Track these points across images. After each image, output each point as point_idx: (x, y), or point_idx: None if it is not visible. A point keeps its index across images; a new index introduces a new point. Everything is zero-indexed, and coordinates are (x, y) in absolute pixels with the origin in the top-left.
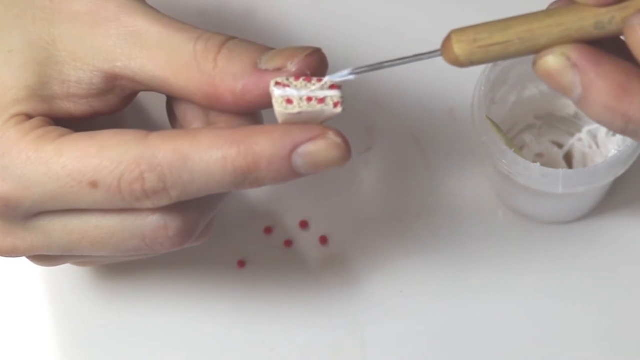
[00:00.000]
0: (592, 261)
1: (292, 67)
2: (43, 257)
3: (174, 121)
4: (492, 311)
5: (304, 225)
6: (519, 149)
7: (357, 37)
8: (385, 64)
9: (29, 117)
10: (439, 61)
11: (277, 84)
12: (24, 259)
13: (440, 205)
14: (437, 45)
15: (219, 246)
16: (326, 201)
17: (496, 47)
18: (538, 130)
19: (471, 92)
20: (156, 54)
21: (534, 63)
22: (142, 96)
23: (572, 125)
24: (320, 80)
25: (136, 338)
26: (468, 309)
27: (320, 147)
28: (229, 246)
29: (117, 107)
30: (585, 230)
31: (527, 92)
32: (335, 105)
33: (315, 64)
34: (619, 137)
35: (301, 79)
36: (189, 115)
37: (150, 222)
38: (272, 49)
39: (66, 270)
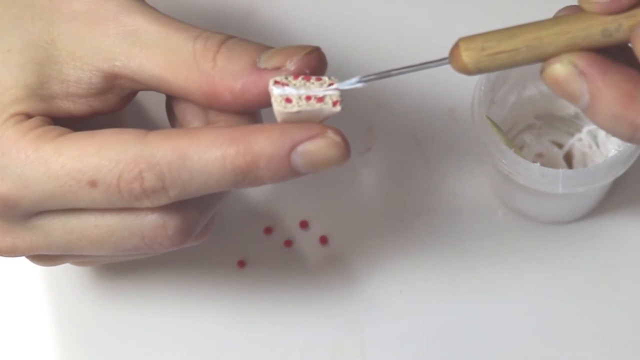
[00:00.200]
0: (592, 261)
1: (291, 65)
2: (42, 257)
3: (173, 120)
4: (492, 311)
5: (304, 225)
6: (519, 149)
7: (357, 37)
8: (393, 72)
9: (28, 116)
10: None
11: (276, 82)
12: (23, 259)
13: (440, 205)
14: (437, 45)
15: (219, 246)
16: (326, 201)
17: (504, 55)
18: (538, 130)
19: (471, 92)
20: (155, 53)
21: (542, 71)
22: (142, 95)
23: (572, 125)
24: (319, 79)
25: (136, 338)
26: (468, 309)
27: (319, 146)
28: (229, 246)
29: (116, 106)
30: (585, 230)
31: (527, 92)
32: (334, 104)
33: (314, 63)
34: None
35: (300, 78)
36: (188, 114)
37: (149, 221)
38: (271, 47)
39: (66, 270)
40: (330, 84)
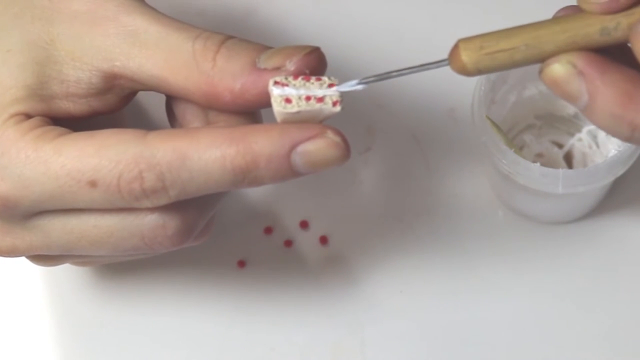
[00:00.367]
0: (592, 261)
1: (290, 66)
2: (42, 257)
3: (173, 120)
4: (492, 311)
5: (304, 225)
6: (519, 149)
7: (357, 37)
8: (393, 74)
9: (28, 116)
10: None
11: (275, 83)
12: (23, 259)
13: (440, 205)
14: (437, 45)
15: (219, 246)
16: (326, 201)
17: (502, 54)
18: (538, 130)
19: (471, 92)
20: (155, 53)
21: (540, 71)
22: (141, 96)
23: (572, 125)
24: (319, 79)
25: (136, 338)
26: (468, 308)
27: (319, 146)
28: (229, 246)
29: (116, 106)
30: (585, 230)
31: (527, 92)
32: (334, 104)
33: (314, 63)
34: None
35: (300, 78)
36: (188, 114)
37: (149, 222)
38: (270, 48)
39: (65, 270)
40: (330, 85)
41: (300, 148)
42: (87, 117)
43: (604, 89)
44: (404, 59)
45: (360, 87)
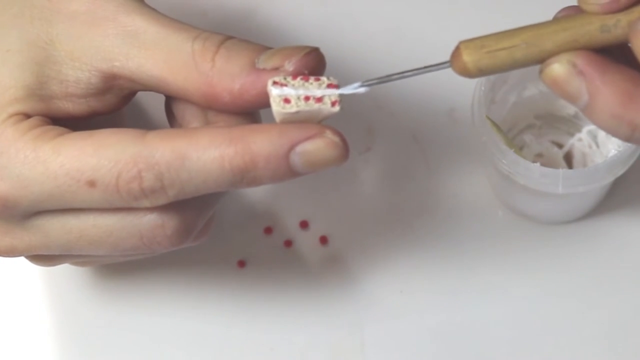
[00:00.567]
0: (592, 261)
1: (289, 66)
2: (41, 257)
3: (172, 120)
4: (492, 311)
5: (304, 225)
6: (519, 149)
7: (357, 37)
8: (395, 76)
9: (27, 116)
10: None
11: (274, 83)
12: (22, 259)
13: (440, 205)
14: (437, 46)
15: (219, 246)
16: (326, 201)
17: (503, 53)
18: (538, 130)
19: (471, 92)
20: (154, 54)
21: (541, 71)
22: (141, 96)
23: (572, 125)
24: (318, 80)
25: (136, 338)
26: (468, 308)
27: (317, 146)
28: (229, 246)
29: (115, 106)
30: (585, 230)
31: (527, 92)
32: (333, 104)
33: (313, 63)
34: None
35: (299, 78)
36: (187, 114)
37: (148, 221)
38: (269, 48)
39: (65, 270)
40: (329, 85)
41: (299, 148)
42: (86, 117)
43: (604, 88)
44: (404, 59)
45: (362, 89)
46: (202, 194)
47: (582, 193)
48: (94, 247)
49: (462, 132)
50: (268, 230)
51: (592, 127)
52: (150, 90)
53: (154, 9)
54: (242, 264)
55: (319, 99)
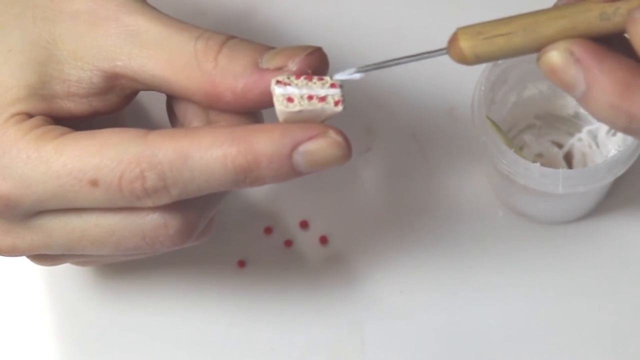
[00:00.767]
0: (592, 261)
1: (293, 66)
2: (43, 257)
3: (174, 120)
4: (492, 311)
5: (304, 225)
6: (519, 149)
7: (358, 36)
8: (391, 62)
9: (29, 116)
10: (440, 60)
11: (278, 82)
12: (23, 259)
13: (440, 205)
14: (437, 45)
15: (219, 246)
16: (326, 201)
17: (501, 39)
18: (538, 130)
19: (471, 92)
20: (156, 53)
21: (538, 58)
22: (142, 95)
23: (572, 125)
24: (321, 79)
25: (136, 338)
26: (468, 308)
27: (320, 146)
28: (229, 246)
29: (117, 106)
30: (585, 230)
31: (527, 92)
32: (336, 103)
33: (316, 63)
34: (619, 137)
35: (302, 78)
36: (189, 114)
37: (150, 221)
38: (272, 48)
39: (66, 270)
40: (332, 84)
41: (302, 147)
42: (88, 116)
43: (602, 77)
44: None
45: (357, 75)
46: (205, 193)
47: (582, 193)
48: (96, 247)
49: (462, 132)
50: (268, 230)
51: (592, 127)
52: (152, 90)
53: (155, 9)
54: (242, 264)
55: (322, 99)
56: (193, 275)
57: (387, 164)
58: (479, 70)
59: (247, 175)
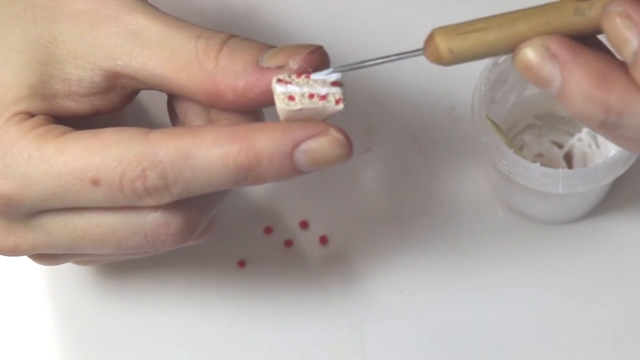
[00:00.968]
0: (592, 261)
1: (294, 64)
2: (44, 256)
3: (174, 119)
4: (492, 311)
5: (304, 225)
6: (519, 149)
7: (358, 35)
8: (368, 63)
9: (30, 115)
10: None
11: (279, 80)
12: (25, 258)
13: (440, 205)
14: None
15: (219, 246)
16: (326, 201)
17: (475, 35)
18: (538, 130)
19: (471, 92)
20: (157, 53)
21: (514, 57)
22: (143, 94)
23: (572, 125)
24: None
25: (137, 337)
26: (468, 308)
27: (321, 144)
28: (229, 246)
29: (118, 105)
30: (585, 230)
31: (527, 92)
32: (337, 102)
33: (317, 61)
34: None
35: (303, 76)
36: (190, 113)
37: (151, 220)
38: (273, 46)
39: (67, 269)
40: (333, 83)
41: (303, 146)
42: (89, 116)
43: (577, 70)
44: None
45: (334, 76)
46: (206, 192)
47: (582, 193)
48: (98, 246)
49: (463, 132)
50: (268, 230)
51: None
52: (153, 89)
53: (156, 8)
54: (242, 264)
55: (323, 97)
56: (193, 275)
57: (387, 164)
58: (479, 70)
59: (249, 174)
